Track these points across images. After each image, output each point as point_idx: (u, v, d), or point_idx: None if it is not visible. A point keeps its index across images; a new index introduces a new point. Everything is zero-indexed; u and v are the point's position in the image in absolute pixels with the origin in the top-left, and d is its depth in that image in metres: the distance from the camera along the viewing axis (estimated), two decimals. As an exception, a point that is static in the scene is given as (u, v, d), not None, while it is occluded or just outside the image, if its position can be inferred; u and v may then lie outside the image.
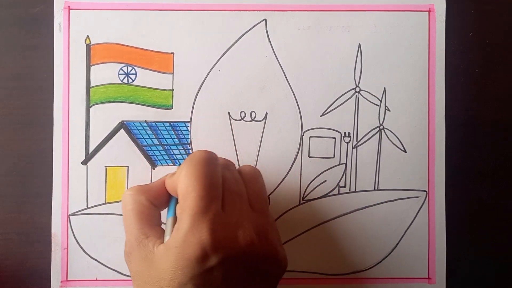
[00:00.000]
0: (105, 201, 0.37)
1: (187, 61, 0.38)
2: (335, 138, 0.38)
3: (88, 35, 0.38)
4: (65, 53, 0.37)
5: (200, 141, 0.38)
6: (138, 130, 0.38)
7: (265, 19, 0.38)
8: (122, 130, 0.38)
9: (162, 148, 0.38)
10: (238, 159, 0.38)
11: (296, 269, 0.38)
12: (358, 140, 0.38)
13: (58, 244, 0.37)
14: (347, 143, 0.38)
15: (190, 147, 0.38)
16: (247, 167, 0.32)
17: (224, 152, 0.37)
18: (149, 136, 0.38)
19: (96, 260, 0.37)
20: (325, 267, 0.38)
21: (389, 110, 0.38)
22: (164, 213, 0.31)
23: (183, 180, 0.27)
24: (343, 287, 0.38)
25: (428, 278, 0.38)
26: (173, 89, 0.38)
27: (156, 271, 0.26)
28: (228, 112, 0.38)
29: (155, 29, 0.38)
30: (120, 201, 0.36)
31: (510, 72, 0.39)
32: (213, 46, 0.38)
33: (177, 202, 0.28)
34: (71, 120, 0.37)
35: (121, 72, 0.38)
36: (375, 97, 0.38)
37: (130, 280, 0.37)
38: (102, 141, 0.38)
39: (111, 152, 0.38)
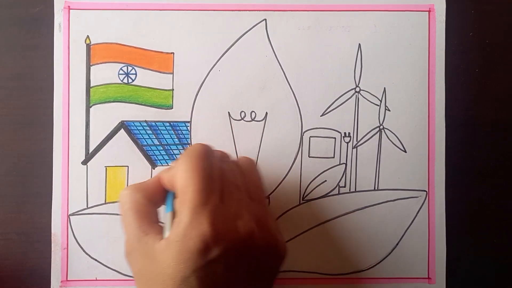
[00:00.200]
0: (105, 201, 0.37)
1: (187, 61, 0.38)
2: (335, 138, 0.38)
3: (88, 35, 0.38)
4: (65, 53, 0.37)
5: (200, 141, 0.37)
6: (138, 130, 0.38)
7: (265, 19, 0.38)
8: (122, 130, 0.38)
9: (162, 148, 0.38)
10: (238, 159, 0.38)
11: (296, 269, 0.38)
12: (358, 140, 0.38)
13: (58, 244, 0.37)
14: (347, 143, 0.38)
15: (190, 147, 0.38)
16: (243, 158, 0.32)
17: (224, 152, 0.37)
18: (149, 136, 0.38)
19: (96, 260, 0.37)
20: (325, 267, 0.38)
21: (389, 110, 0.38)
22: (161, 210, 0.31)
23: (181, 174, 0.27)
24: (343, 287, 0.38)
25: (428, 278, 0.38)
26: (173, 89, 0.38)
27: (158, 267, 0.26)
28: (228, 112, 0.38)
29: (155, 29, 0.38)
30: (120, 201, 0.36)
31: (510, 72, 0.39)
32: (213, 46, 0.38)
33: (174, 196, 0.28)
34: (71, 120, 0.37)
35: (121, 72, 0.38)
36: (375, 97, 0.38)
37: (131, 280, 0.37)
38: (102, 141, 0.38)
39: (111, 152, 0.38)
